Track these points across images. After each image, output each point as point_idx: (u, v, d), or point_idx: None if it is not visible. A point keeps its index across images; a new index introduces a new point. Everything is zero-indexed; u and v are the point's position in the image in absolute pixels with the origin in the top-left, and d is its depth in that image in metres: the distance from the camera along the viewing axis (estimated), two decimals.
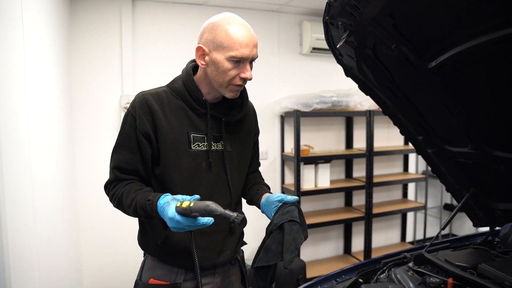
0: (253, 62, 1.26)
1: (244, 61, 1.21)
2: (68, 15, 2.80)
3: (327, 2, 1.17)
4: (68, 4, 2.78)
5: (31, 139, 1.48)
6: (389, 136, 4.15)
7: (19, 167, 1.48)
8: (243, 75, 1.22)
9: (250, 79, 1.24)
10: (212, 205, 1.06)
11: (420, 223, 4.40)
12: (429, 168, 4.17)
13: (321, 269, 3.46)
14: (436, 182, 4.25)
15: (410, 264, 1.64)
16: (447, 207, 4.40)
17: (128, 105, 2.99)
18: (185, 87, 1.30)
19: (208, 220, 1.07)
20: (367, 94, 1.63)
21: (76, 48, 2.92)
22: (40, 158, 1.54)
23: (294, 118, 3.36)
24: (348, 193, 4.02)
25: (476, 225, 1.92)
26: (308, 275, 3.21)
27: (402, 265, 1.68)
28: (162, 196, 1.16)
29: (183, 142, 1.27)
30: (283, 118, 3.66)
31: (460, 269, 1.48)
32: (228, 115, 1.35)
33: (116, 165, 1.28)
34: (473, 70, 1.08)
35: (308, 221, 3.47)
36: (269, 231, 1.23)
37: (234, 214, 1.06)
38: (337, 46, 1.27)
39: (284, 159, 3.69)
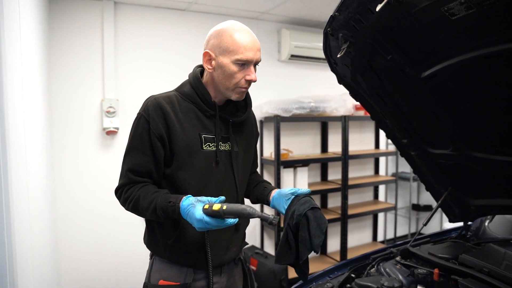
0: (257, 66, 1.35)
1: (248, 64, 1.29)
2: (47, 16, 2.75)
3: (331, 15, 1.26)
4: (47, 5, 2.73)
5: (9, 141, 1.42)
6: (361, 140, 4.35)
7: None
8: (248, 77, 1.30)
9: (254, 81, 1.32)
10: (248, 209, 1.11)
11: (390, 223, 4.62)
12: (399, 170, 4.41)
13: (311, 275, 3.54)
14: (404, 183, 4.49)
15: (398, 258, 1.77)
16: (415, 207, 4.65)
17: (111, 109, 3.01)
18: (194, 90, 1.37)
19: (235, 220, 1.14)
20: (357, 101, 1.74)
21: (56, 51, 2.88)
22: (18, 160, 1.51)
23: (274, 123, 3.46)
24: (323, 195, 4.16)
25: (451, 221, 2.09)
26: (290, 276, 3.30)
27: (390, 260, 1.81)
28: (185, 198, 1.21)
29: (196, 142, 1.33)
30: (262, 122, 3.75)
31: (443, 260, 1.62)
32: (235, 116, 1.43)
33: (130, 168, 1.31)
34: (462, 81, 1.21)
35: None
36: (292, 223, 1.28)
37: (271, 216, 1.12)
38: (338, 56, 1.37)
39: (263, 163, 3.78)
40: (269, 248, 3.87)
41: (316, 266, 3.63)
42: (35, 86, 2.14)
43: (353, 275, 1.73)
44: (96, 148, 3.04)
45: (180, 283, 1.35)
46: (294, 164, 3.64)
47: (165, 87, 3.27)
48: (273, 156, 3.53)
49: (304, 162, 3.69)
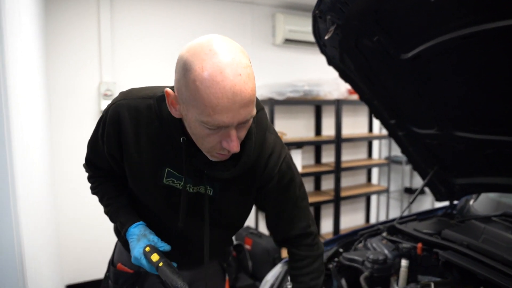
0: (248, 122, 0.87)
1: (225, 127, 0.83)
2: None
3: None
4: None
5: (9, 124, 1.44)
6: (354, 124, 4.41)
7: None
8: (225, 145, 0.86)
9: (235, 151, 0.87)
10: (181, 284, 0.96)
11: (383, 205, 4.72)
12: (392, 154, 4.48)
13: None
14: (397, 167, 4.57)
15: (384, 234, 1.85)
16: (407, 190, 4.74)
17: (108, 92, 3.05)
18: (162, 123, 0.99)
19: None
20: (346, 82, 1.80)
21: (53, 35, 2.91)
22: (17, 144, 1.54)
23: (268, 106, 3.51)
24: (317, 177, 4.25)
25: (438, 199, 2.17)
26: (283, 255, 3.40)
27: (377, 236, 1.89)
28: (134, 225, 1.09)
29: (154, 176, 1.04)
30: None
31: (427, 235, 1.70)
32: (214, 169, 0.99)
33: (89, 159, 1.18)
34: (443, 61, 1.27)
35: None
36: None
37: None
38: (326, 38, 1.42)
39: None
40: (263, 228, 3.96)
41: None
42: (33, 70, 2.17)
43: (341, 250, 1.81)
44: None
45: (134, 271, 1.22)
46: (288, 146, 3.71)
47: (161, 71, 3.32)
48: None
49: (298, 145, 3.76)
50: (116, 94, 3.04)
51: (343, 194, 4.02)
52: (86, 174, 1.25)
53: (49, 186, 2.63)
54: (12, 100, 1.45)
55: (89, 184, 1.24)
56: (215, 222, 1.11)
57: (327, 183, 4.26)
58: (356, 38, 1.44)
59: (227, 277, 1.45)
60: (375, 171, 4.70)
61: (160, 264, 1.00)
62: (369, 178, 4.62)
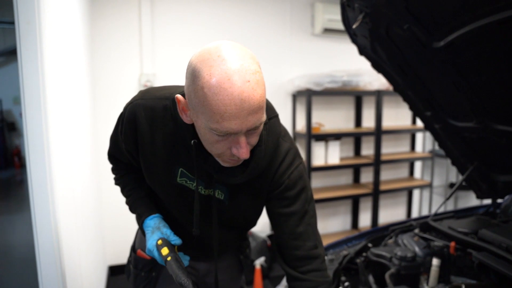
0: (258, 128, 0.86)
1: (234, 134, 0.83)
2: None
3: None
4: None
5: (50, 114, 1.49)
6: (397, 116, 4.24)
7: (40, 139, 1.39)
8: (234, 152, 0.86)
9: (244, 158, 0.86)
10: (183, 280, 0.99)
11: (426, 201, 4.53)
12: (436, 147, 4.28)
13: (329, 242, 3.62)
14: (442, 161, 4.36)
15: (416, 231, 1.78)
16: (453, 186, 4.51)
17: (148, 83, 3.15)
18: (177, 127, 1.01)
19: None
20: (379, 72, 1.73)
21: (97, 28, 3.04)
22: (61, 134, 1.63)
23: (306, 97, 3.46)
24: (356, 170, 4.15)
25: (479, 197, 2.04)
26: None
27: (408, 232, 1.82)
28: (150, 217, 1.13)
29: (168, 174, 1.06)
30: (295, 97, 3.76)
31: (461, 234, 1.61)
32: (222, 174, 1.00)
33: (111, 152, 1.24)
34: (478, 49, 1.18)
35: (318, 196, 3.63)
36: None
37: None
38: (353, 27, 1.37)
39: (296, 136, 3.82)
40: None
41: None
42: (80, 62, 2.30)
43: (370, 245, 1.76)
44: None
45: (151, 257, 1.18)
46: (326, 137, 3.65)
47: None
48: (304, 129, 3.55)
49: (336, 136, 3.68)
50: (155, 85, 3.15)
51: (383, 187, 3.90)
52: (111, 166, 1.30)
53: (93, 174, 2.78)
54: (54, 93, 1.55)
55: (114, 178, 1.31)
56: (226, 223, 1.13)
57: (367, 176, 4.15)
58: (386, 26, 1.38)
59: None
60: (418, 165, 4.50)
61: (168, 258, 1.03)
62: (411, 172, 4.44)
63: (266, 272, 3.24)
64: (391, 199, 4.39)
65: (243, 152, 0.84)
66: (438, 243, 1.62)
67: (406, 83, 1.66)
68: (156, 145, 1.03)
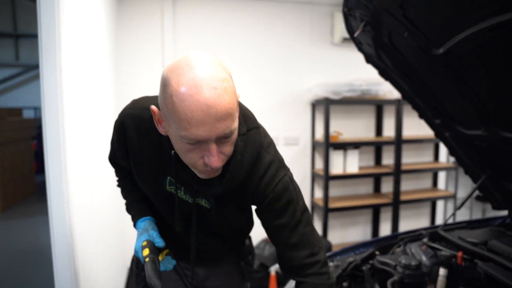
0: (229, 137, 0.86)
1: (205, 142, 0.83)
2: (116, 3, 3.07)
3: None
4: None
5: (68, 121, 1.56)
6: (419, 125, 4.16)
7: (57, 146, 1.45)
8: (206, 161, 0.86)
9: (216, 167, 0.86)
10: (153, 282, 1.02)
11: (450, 212, 4.39)
12: None
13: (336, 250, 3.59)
14: None
15: (425, 240, 1.76)
16: (479, 198, 4.36)
17: None
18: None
19: None
20: (386, 80, 1.73)
21: (122, 28, 3.23)
22: (79, 140, 1.70)
23: (324, 106, 3.47)
24: (377, 179, 4.09)
25: (495, 207, 1.99)
26: None
27: (417, 241, 1.80)
28: (141, 220, 1.19)
29: (157, 182, 1.09)
30: (314, 106, 3.78)
31: (470, 244, 1.58)
32: (202, 185, 1.00)
33: (110, 156, 1.28)
34: (477, 56, 1.18)
35: (335, 204, 3.61)
36: None
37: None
38: (355, 36, 1.40)
39: (314, 145, 3.82)
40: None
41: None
42: (104, 70, 2.43)
43: (377, 253, 1.75)
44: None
45: None
46: (345, 146, 3.63)
47: None
48: (323, 138, 3.55)
49: (355, 145, 3.66)
50: None
51: (405, 197, 3.83)
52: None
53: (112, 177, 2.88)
54: (72, 94, 1.64)
55: (116, 180, 1.37)
56: (216, 230, 1.16)
57: (388, 186, 4.08)
58: (388, 34, 1.39)
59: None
60: (442, 176, 4.39)
61: (146, 259, 1.06)
62: (435, 183, 4.33)
63: (281, 279, 3.24)
64: (414, 210, 4.29)
65: (214, 161, 0.84)
66: (445, 252, 1.60)
67: (414, 90, 1.66)
68: (144, 154, 1.05)
